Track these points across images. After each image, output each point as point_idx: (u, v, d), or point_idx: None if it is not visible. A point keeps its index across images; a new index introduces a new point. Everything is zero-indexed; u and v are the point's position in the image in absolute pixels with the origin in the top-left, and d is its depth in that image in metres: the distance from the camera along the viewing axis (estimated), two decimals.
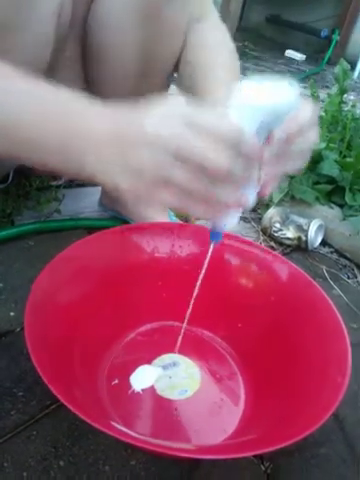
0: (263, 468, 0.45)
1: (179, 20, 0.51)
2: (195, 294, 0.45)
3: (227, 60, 0.50)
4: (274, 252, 0.58)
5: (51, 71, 0.49)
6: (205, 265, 0.42)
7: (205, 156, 0.27)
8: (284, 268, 0.54)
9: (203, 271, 0.43)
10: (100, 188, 0.80)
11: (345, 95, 1.09)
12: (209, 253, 0.40)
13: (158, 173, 0.29)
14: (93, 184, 0.80)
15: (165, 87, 0.61)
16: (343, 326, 0.45)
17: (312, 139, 0.33)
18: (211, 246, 0.39)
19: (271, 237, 0.87)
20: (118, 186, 0.31)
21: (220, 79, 0.46)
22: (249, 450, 0.35)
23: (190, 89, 0.51)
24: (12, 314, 0.57)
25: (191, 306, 0.45)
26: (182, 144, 0.27)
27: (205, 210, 0.30)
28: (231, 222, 0.35)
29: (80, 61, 0.54)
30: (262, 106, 0.28)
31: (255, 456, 0.46)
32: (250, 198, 0.31)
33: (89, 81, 0.57)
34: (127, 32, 0.49)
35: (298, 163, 0.33)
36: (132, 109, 0.31)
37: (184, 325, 0.48)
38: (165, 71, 0.57)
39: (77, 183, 0.87)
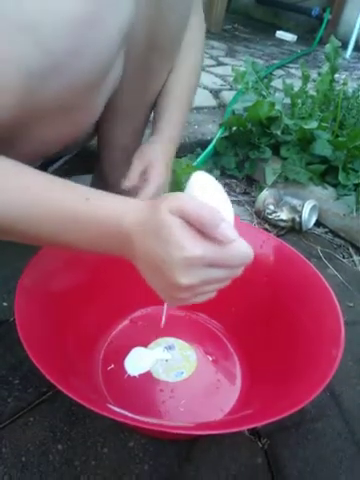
0: (260, 444, 0.46)
1: (178, 10, 0.51)
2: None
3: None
4: (267, 233, 0.58)
5: None
6: (163, 318, 0.46)
7: (226, 281, 0.34)
8: (277, 247, 0.54)
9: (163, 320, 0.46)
10: (91, 176, 0.79)
11: (337, 75, 1.07)
12: (164, 309, 0.45)
13: (190, 298, 0.34)
14: (83, 172, 0.79)
15: (163, 81, 0.62)
16: (335, 300, 0.45)
17: None
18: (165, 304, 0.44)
19: (265, 219, 0.87)
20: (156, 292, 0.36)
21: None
22: (244, 424, 0.36)
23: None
24: (5, 304, 0.57)
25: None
26: (207, 283, 0.33)
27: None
28: None
29: None
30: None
31: (252, 433, 0.46)
32: None
33: None
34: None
35: None
36: (159, 241, 0.32)
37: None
38: (172, 49, 0.57)
39: (65, 170, 0.86)
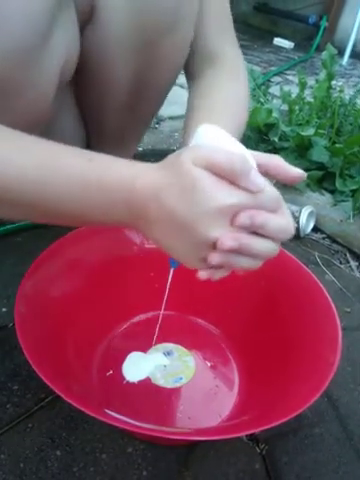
0: (258, 450, 0.46)
1: (177, 50, 0.49)
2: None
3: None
4: None
5: None
6: (167, 288, 0.46)
7: (268, 254, 0.33)
8: None
9: (166, 293, 0.47)
10: None
11: (334, 81, 1.09)
12: (169, 277, 0.44)
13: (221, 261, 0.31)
14: None
15: (155, 112, 0.60)
16: (333, 306, 0.45)
17: None
18: (171, 271, 0.43)
19: None
20: (176, 258, 0.34)
21: None
22: (242, 430, 0.36)
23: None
24: (4, 310, 0.57)
25: (165, 299, 0.47)
26: (245, 248, 0.31)
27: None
28: None
29: (72, 84, 0.51)
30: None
31: (250, 439, 0.47)
32: None
33: (82, 104, 0.55)
34: (121, 59, 0.47)
35: None
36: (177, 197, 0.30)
37: (161, 313, 0.49)
38: (157, 97, 0.56)
39: None
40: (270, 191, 0.31)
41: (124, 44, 0.45)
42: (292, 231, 0.32)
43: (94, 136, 0.62)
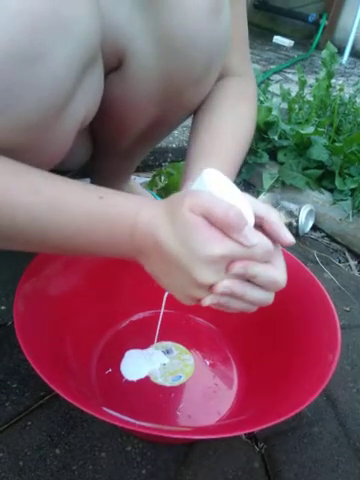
0: (257, 448, 0.46)
1: (200, 96, 0.49)
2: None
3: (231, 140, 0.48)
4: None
5: None
6: (162, 308, 0.47)
7: (261, 302, 0.34)
8: None
9: (161, 312, 0.48)
10: (89, 180, 0.79)
11: (334, 80, 1.08)
12: (164, 298, 0.45)
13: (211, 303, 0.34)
14: (81, 177, 0.79)
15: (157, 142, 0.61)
16: (332, 305, 0.45)
17: None
18: (166, 293, 0.44)
19: None
20: (170, 293, 0.36)
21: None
22: (241, 429, 0.36)
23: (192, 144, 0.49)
24: (3, 308, 0.57)
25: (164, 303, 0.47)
26: (238, 294, 0.33)
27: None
28: None
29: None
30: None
31: (249, 437, 0.47)
32: None
33: (93, 128, 0.53)
34: (144, 106, 0.46)
35: None
36: (177, 244, 0.32)
37: (161, 312, 0.49)
38: (171, 130, 0.57)
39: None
40: (263, 243, 0.32)
41: (149, 93, 0.45)
42: (283, 284, 0.34)
43: (101, 151, 0.62)
